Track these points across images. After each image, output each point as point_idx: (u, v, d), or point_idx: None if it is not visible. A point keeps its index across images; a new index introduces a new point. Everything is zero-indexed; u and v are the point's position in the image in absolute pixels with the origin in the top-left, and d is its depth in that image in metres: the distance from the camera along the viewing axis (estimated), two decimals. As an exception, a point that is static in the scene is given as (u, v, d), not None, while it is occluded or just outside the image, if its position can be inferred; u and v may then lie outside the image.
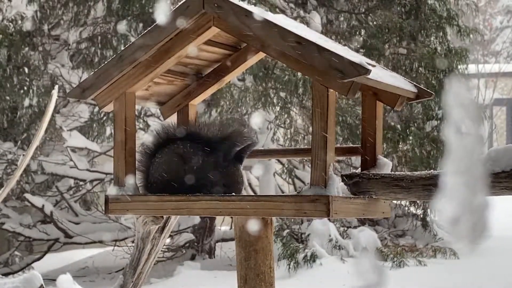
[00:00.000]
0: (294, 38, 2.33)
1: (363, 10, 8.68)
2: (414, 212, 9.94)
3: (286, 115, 8.63)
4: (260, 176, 9.13)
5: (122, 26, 7.61)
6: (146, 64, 2.61)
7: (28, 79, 7.91)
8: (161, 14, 2.50)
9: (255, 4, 6.87)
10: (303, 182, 9.51)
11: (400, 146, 8.45)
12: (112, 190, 2.63)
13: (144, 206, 2.59)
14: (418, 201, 9.42)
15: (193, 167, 2.59)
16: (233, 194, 2.56)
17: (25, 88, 7.93)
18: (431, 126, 8.60)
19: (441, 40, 8.74)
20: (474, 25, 9.91)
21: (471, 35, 8.86)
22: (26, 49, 8.14)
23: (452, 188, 1.37)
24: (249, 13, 2.40)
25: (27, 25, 8.04)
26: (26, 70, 8.02)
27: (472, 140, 1.36)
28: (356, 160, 8.87)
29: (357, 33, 8.56)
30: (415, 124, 8.59)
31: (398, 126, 8.51)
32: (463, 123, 1.36)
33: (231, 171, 2.60)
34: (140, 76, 2.63)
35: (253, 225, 2.60)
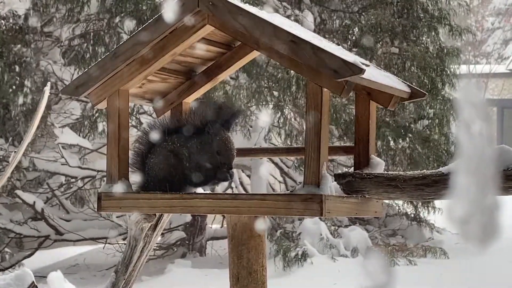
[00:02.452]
0: (289, 37, 2.34)
1: (356, 9, 8.69)
2: (405, 211, 9.97)
3: (279, 114, 8.64)
4: (251, 174, 9.13)
5: (128, 22, 7.57)
6: (140, 61, 2.60)
7: (19, 77, 7.88)
8: (167, 10, 2.49)
9: (249, 3, 6.85)
10: (295, 181, 9.52)
11: (393, 145, 8.47)
12: (105, 188, 2.63)
13: (137, 204, 2.59)
14: (410, 201, 9.44)
15: (187, 160, 2.58)
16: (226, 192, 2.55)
17: (16, 85, 7.89)
18: (422, 126, 8.62)
19: (433, 40, 8.77)
20: (466, 25, 9.91)
21: (463, 36, 8.89)
22: (19, 46, 8.11)
23: (462, 188, 1.35)
24: (243, 12, 2.40)
25: (33, 21, 7.98)
26: (17, 68, 7.98)
27: (483, 140, 1.34)
28: (348, 159, 8.89)
29: (350, 32, 8.57)
30: (407, 124, 8.61)
31: (392, 124, 8.53)
32: (473, 122, 1.35)
33: (221, 140, 2.57)
34: (134, 74, 2.62)
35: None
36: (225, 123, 2.60)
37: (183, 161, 2.59)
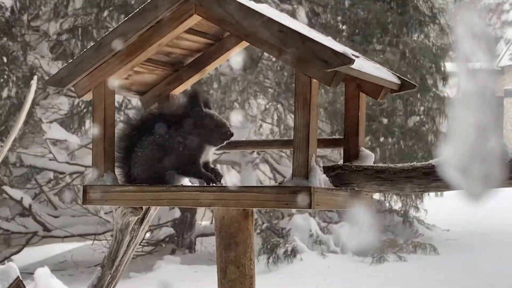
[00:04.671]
0: (277, 27, 2.30)
1: (347, 6, 8.67)
2: (395, 207, 9.98)
3: (273, 110, 8.63)
4: (241, 170, 9.10)
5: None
6: (126, 52, 2.56)
7: (7, 69, 7.80)
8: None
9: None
10: (284, 177, 9.49)
11: (382, 139, 8.47)
12: (90, 180, 2.58)
13: (123, 196, 2.55)
14: (400, 196, 9.45)
15: (175, 152, 2.55)
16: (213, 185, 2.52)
17: (4, 78, 7.81)
18: (413, 122, 8.63)
19: (424, 36, 8.77)
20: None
21: (452, 34, 8.91)
22: (5, 39, 8.02)
23: (462, 131, 1.22)
24: (231, 1, 2.36)
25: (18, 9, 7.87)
26: (5, 60, 7.90)
27: (485, 75, 1.21)
28: (338, 155, 8.87)
29: (342, 26, 8.56)
30: (398, 120, 8.62)
31: (383, 120, 8.54)
32: (474, 55, 1.22)
33: (207, 121, 2.57)
34: (120, 65, 2.58)
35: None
36: (206, 104, 2.61)
37: (173, 151, 2.55)
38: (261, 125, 8.90)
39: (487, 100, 1.21)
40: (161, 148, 2.57)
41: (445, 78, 8.93)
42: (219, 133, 2.57)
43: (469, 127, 1.21)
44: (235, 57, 2.95)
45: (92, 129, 2.64)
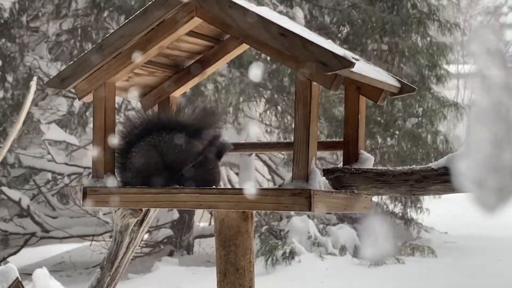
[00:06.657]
0: (278, 30, 2.31)
1: (345, 6, 8.68)
2: (395, 211, 9.98)
3: (273, 112, 8.63)
4: (240, 172, 9.11)
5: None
6: (127, 54, 2.56)
7: (1, 71, 7.79)
8: (155, 1, 2.46)
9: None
10: (283, 180, 9.49)
11: (380, 141, 8.48)
12: (90, 182, 2.59)
13: (123, 198, 2.55)
14: (398, 199, 9.45)
15: (170, 159, 2.54)
16: (213, 187, 2.52)
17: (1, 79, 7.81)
18: (411, 123, 8.63)
19: (422, 35, 8.77)
20: (455, 21, 9.88)
21: (452, 30, 8.90)
22: (3, 40, 8.02)
23: (477, 144, 1.23)
24: (232, 4, 2.37)
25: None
26: (1, 62, 7.89)
27: (500, 91, 1.22)
28: (337, 158, 8.88)
29: (341, 27, 8.57)
30: (397, 122, 8.62)
31: (382, 121, 8.54)
32: (489, 71, 1.23)
33: (209, 166, 2.54)
34: (121, 67, 2.58)
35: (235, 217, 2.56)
36: (219, 151, 2.59)
37: (168, 161, 2.54)
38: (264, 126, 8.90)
39: (502, 114, 1.22)
40: (155, 151, 2.56)
41: (442, 78, 8.93)
42: (206, 179, 2.54)
43: (484, 141, 1.22)
44: (254, 70, 2.96)
45: (92, 131, 2.65)
